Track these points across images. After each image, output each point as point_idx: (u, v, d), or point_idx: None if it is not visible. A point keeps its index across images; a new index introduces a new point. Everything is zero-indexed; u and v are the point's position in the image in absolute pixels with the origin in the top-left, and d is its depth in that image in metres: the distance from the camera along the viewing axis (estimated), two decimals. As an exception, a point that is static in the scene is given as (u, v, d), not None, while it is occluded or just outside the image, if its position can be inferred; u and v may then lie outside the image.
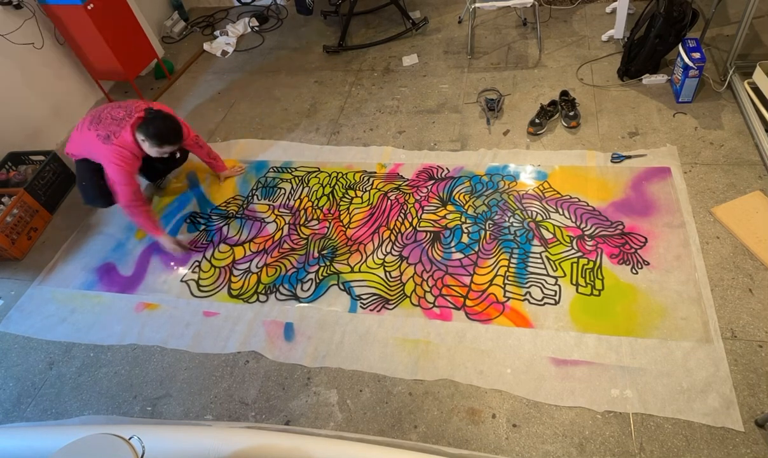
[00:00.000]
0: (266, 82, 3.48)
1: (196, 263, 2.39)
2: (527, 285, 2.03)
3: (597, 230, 2.16)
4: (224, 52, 3.85)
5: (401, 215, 2.41)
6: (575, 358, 1.80)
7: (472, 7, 3.16)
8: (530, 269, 2.08)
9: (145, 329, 2.18)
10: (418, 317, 2.01)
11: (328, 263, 2.27)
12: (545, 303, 1.97)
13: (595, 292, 1.96)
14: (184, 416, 1.90)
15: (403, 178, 2.59)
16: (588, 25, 3.31)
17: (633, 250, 2.06)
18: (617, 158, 2.42)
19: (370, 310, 2.07)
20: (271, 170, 2.79)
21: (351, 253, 2.30)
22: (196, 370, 2.02)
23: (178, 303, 2.25)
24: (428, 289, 2.10)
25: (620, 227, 2.15)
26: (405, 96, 3.11)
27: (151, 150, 2.25)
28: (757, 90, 2.44)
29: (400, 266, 2.20)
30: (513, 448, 1.64)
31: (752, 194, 2.15)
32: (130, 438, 1.28)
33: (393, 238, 2.32)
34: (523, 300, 1.99)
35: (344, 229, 2.40)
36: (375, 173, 2.65)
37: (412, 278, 2.15)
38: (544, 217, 2.26)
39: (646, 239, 2.09)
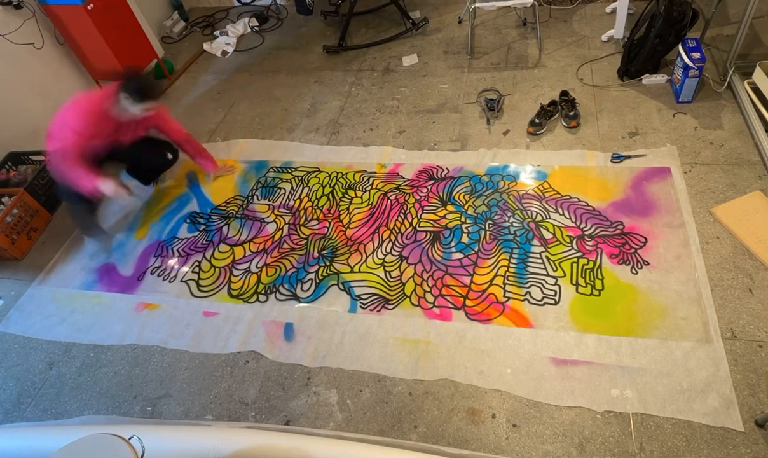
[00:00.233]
0: (266, 82, 3.48)
1: (196, 263, 2.39)
2: (527, 285, 2.03)
3: (597, 230, 2.16)
4: (224, 52, 3.85)
5: (401, 215, 2.41)
6: (575, 358, 1.80)
7: (472, 7, 3.16)
8: (530, 269, 2.08)
9: (145, 329, 2.18)
10: (418, 317, 2.01)
11: (328, 263, 2.27)
12: (545, 303, 1.97)
13: (595, 292, 1.96)
14: (184, 416, 1.90)
15: (403, 178, 2.59)
16: (588, 25, 3.31)
17: (633, 250, 2.06)
18: (617, 158, 2.42)
19: (370, 310, 2.07)
20: (271, 170, 2.79)
21: (351, 253, 2.30)
22: (196, 370, 2.02)
23: (178, 303, 2.25)
24: (428, 289, 2.10)
25: (620, 227, 2.15)
26: (405, 96, 3.11)
27: (134, 107, 2.19)
28: (757, 90, 2.44)
29: (400, 266, 2.20)
30: (513, 448, 1.64)
31: (752, 194, 2.15)
32: (130, 438, 1.28)
33: (393, 238, 2.32)
34: (523, 300, 1.99)
35: (344, 229, 2.40)
36: (375, 173, 2.65)
37: (412, 278, 2.15)
38: (544, 217, 2.26)
39: (646, 239, 2.09)
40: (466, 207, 2.37)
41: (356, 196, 2.55)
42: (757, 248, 1.96)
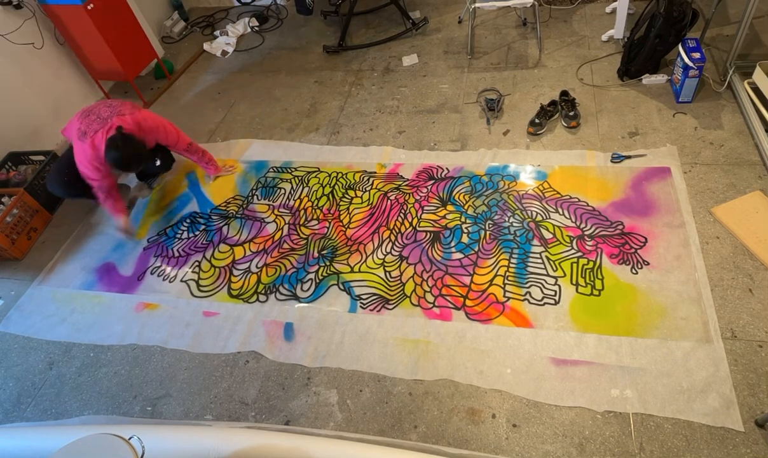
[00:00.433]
0: (266, 82, 3.48)
1: (196, 263, 2.39)
2: (527, 285, 2.03)
3: (597, 230, 2.16)
4: (224, 52, 3.85)
5: (401, 215, 2.41)
6: (575, 358, 1.80)
7: (472, 7, 3.16)
8: (530, 269, 2.08)
9: (145, 329, 2.18)
10: (418, 317, 2.01)
11: (328, 263, 2.27)
12: (545, 303, 1.97)
13: (595, 292, 1.96)
14: (184, 416, 1.90)
15: (403, 178, 2.59)
16: (588, 25, 3.31)
17: (633, 250, 2.06)
18: (617, 158, 2.42)
19: (370, 310, 2.07)
20: (271, 170, 2.79)
21: (351, 253, 2.30)
22: (196, 370, 2.02)
23: (178, 303, 2.25)
24: (428, 289, 2.10)
25: (620, 227, 2.15)
26: (405, 96, 3.11)
27: (114, 170, 2.31)
28: (757, 90, 2.44)
29: (400, 266, 2.20)
30: (513, 448, 1.64)
31: (752, 194, 2.15)
32: (130, 438, 1.28)
33: (393, 238, 2.32)
34: (523, 300, 1.99)
35: (344, 229, 2.40)
36: (375, 173, 2.65)
37: (412, 278, 2.15)
38: (544, 217, 2.26)
39: (646, 239, 2.09)
40: (466, 207, 2.37)
41: (356, 196, 2.55)
42: (757, 248, 1.96)
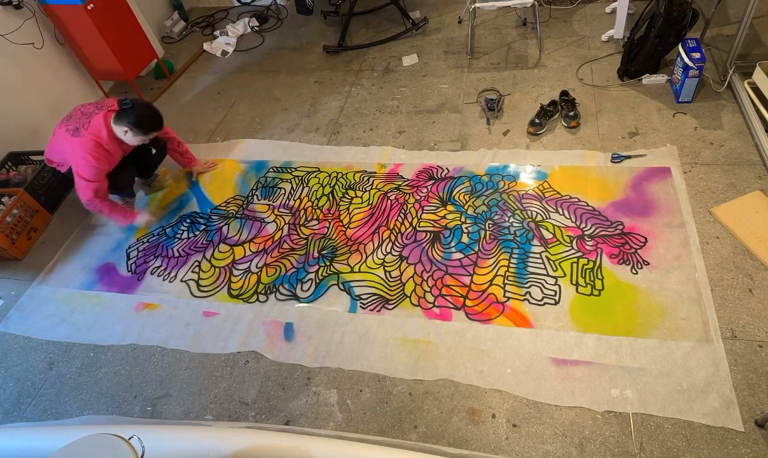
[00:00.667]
0: (266, 82, 3.48)
1: (196, 263, 2.39)
2: (527, 285, 2.03)
3: (597, 230, 2.16)
4: (224, 52, 3.85)
5: (401, 215, 2.41)
6: (575, 358, 1.80)
7: (472, 7, 3.16)
8: (530, 269, 2.08)
9: (145, 329, 2.18)
10: (418, 317, 2.01)
11: (328, 263, 2.27)
12: (545, 303, 1.97)
13: (595, 292, 1.96)
14: (184, 416, 1.90)
15: (403, 178, 2.59)
16: (588, 25, 3.32)
17: (633, 250, 2.06)
18: (617, 158, 2.42)
19: (370, 310, 2.07)
20: (271, 170, 2.79)
21: (351, 253, 2.30)
22: (196, 370, 2.02)
23: (178, 303, 2.25)
24: (428, 289, 2.10)
25: (620, 227, 2.15)
26: (405, 96, 3.11)
27: (134, 139, 2.30)
28: (757, 90, 2.44)
29: (400, 266, 2.20)
30: (513, 448, 1.64)
31: (752, 194, 2.15)
32: (130, 438, 1.28)
33: (393, 238, 2.32)
34: (523, 300, 1.99)
35: (344, 229, 2.40)
36: (375, 173, 2.65)
37: (411, 278, 2.15)
38: (544, 217, 2.26)
39: (646, 239, 2.09)
40: (466, 207, 2.37)
41: (356, 196, 2.55)
42: (757, 248, 1.96)
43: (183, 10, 4.25)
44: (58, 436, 1.74)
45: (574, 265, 2.06)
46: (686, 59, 2.44)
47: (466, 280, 2.10)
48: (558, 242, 2.15)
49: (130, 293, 2.33)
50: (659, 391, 1.67)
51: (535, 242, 2.17)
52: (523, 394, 1.74)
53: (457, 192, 2.45)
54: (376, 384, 1.86)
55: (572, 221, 2.22)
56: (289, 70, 3.55)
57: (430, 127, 2.85)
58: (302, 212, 2.53)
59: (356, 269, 2.23)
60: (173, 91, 3.59)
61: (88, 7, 2.99)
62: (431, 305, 2.04)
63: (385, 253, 2.27)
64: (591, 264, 2.05)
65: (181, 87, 3.61)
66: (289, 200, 2.60)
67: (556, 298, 1.97)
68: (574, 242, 2.14)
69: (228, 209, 2.63)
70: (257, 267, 2.32)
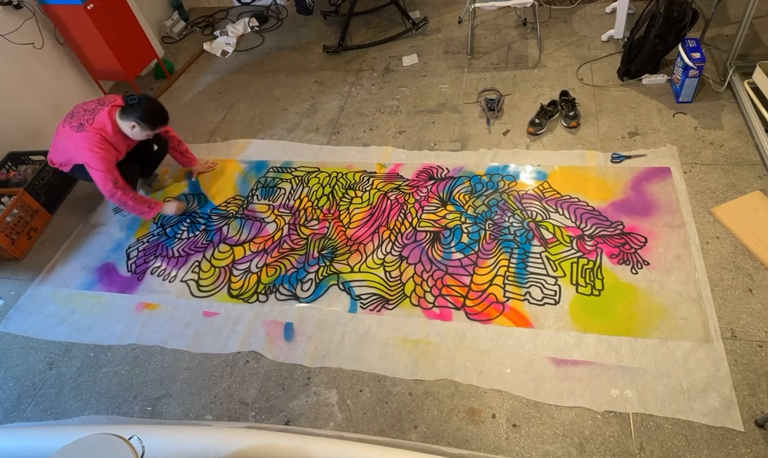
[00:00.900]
0: (266, 82, 3.48)
1: (196, 263, 2.39)
2: (527, 285, 2.03)
3: (597, 230, 2.16)
4: (224, 52, 3.85)
5: (401, 215, 2.41)
6: (575, 358, 1.80)
7: (472, 7, 3.16)
8: (530, 269, 2.08)
9: (145, 329, 2.18)
10: (418, 317, 2.01)
11: (327, 263, 2.27)
12: (545, 303, 1.97)
13: (595, 292, 1.96)
14: (184, 416, 1.90)
15: (403, 178, 2.59)
16: (588, 25, 3.31)
17: (633, 250, 2.06)
18: (617, 158, 2.42)
19: (370, 310, 2.07)
20: (271, 170, 2.79)
21: (351, 253, 2.30)
22: (196, 370, 2.02)
23: (178, 303, 2.25)
24: (428, 289, 2.10)
25: (620, 227, 2.15)
26: (405, 96, 3.11)
27: (140, 134, 2.32)
28: (757, 90, 2.44)
29: (399, 266, 2.20)
30: (513, 448, 1.64)
31: (752, 194, 2.15)
32: (130, 438, 1.28)
33: (393, 238, 2.32)
34: (523, 300, 1.99)
35: (344, 229, 2.40)
36: (375, 173, 2.65)
37: (411, 278, 2.15)
38: (544, 217, 2.26)
39: (646, 239, 2.09)
40: (466, 207, 2.37)
41: (356, 196, 2.55)
42: (757, 248, 1.96)
43: (183, 10, 4.25)
44: (58, 436, 1.74)
45: (574, 265, 2.06)
46: (686, 59, 2.44)
47: (466, 280, 2.10)
48: (558, 242, 2.15)
49: (130, 293, 2.33)
50: (659, 391, 1.67)
51: (535, 242, 2.17)
52: (523, 394, 1.74)
53: (457, 192, 2.45)
54: (376, 384, 1.86)
55: (572, 221, 2.22)
56: (289, 70, 3.55)
57: (430, 127, 2.85)
58: (302, 212, 2.53)
59: (356, 269, 2.23)
60: (173, 91, 3.59)
61: (88, 7, 2.99)
62: (431, 305, 2.04)
63: (385, 253, 2.27)
64: (591, 264, 2.05)
65: (181, 87, 3.61)
66: (289, 200, 2.60)
67: (556, 298, 1.97)
68: (574, 242, 2.14)
69: (228, 209, 2.63)
70: (257, 267, 2.32)
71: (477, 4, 3.12)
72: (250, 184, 2.74)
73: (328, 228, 2.42)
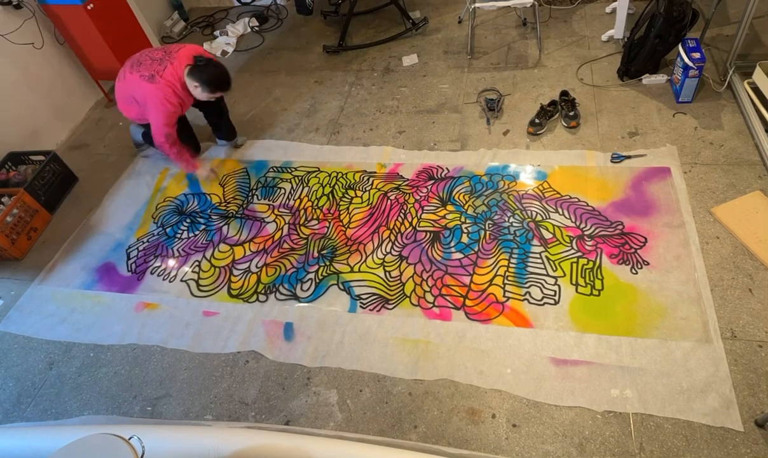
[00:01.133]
0: (266, 82, 3.48)
1: (196, 263, 2.39)
2: (527, 285, 2.03)
3: (597, 230, 2.16)
4: (224, 52, 3.85)
5: (401, 214, 2.41)
6: (575, 358, 1.80)
7: (472, 7, 3.16)
8: (530, 269, 2.08)
9: (145, 329, 2.18)
10: (417, 317, 2.01)
11: (327, 263, 2.27)
12: (545, 303, 1.97)
13: (595, 292, 1.96)
14: (184, 416, 1.90)
15: (403, 178, 2.59)
16: (588, 25, 3.31)
17: (633, 250, 2.06)
18: (617, 158, 2.42)
19: (370, 310, 2.07)
20: (271, 169, 2.79)
21: (351, 253, 2.30)
22: (196, 370, 2.02)
23: (178, 303, 2.25)
24: (428, 289, 2.10)
25: (620, 227, 2.16)
26: (405, 96, 3.11)
27: (202, 95, 2.48)
28: (757, 90, 2.44)
29: (399, 266, 2.20)
30: (513, 448, 1.64)
31: (752, 194, 2.15)
32: (130, 438, 1.28)
33: (393, 238, 2.32)
34: (522, 300, 1.99)
35: (344, 229, 2.40)
36: (375, 172, 2.65)
37: (411, 278, 2.15)
38: (544, 217, 2.26)
39: (645, 239, 2.09)
40: (466, 207, 2.37)
41: (356, 196, 2.55)
42: (757, 248, 1.96)
43: (183, 10, 4.25)
44: (58, 436, 1.74)
45: (574, 265, 2.06)
46: (686, 59, 2.44)
47: (466, 280, 2.10)
48: (558, 242, 2.15)
49: (130, 293, 2.33)
50: (659, 391, 1.67)
51: (535, 242, 2.17)
52: (523, 394, 1.74)
53: (457, 192, 2.45)
54: (376, 384, 1.87)
55: (572, 221, 2.22)
56: (289, 70, 3.55)
57: (430, 127, 2.85)
58: (302, 211, 2.53)
59: (356, 268, 2.23)
60: (173, 91, 3.59)
61: (88, 7, 2.99)
62: (431, 305, 2.04)
63: (384, 253, 2.27)
64: (591, 264, 2.05)
65: (181, 87, 3.60)
66: (289, 200, 2.60)
67: (556, 298, 1.97)
68: (574, 242, 2.14)
69: (228, 209, 2.63)
70: (257, 267, 2.32)
71: (477, 4, 3.12)
72: (250, 184, 2.74)
73: (328, 228, 2.42)
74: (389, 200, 2.49)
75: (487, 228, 2.27)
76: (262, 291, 2.22)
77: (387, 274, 2.19)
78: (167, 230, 2.58)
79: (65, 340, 2.21)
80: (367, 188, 2.57)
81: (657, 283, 1.94)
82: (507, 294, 2.02)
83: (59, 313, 2.31)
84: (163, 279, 2.36)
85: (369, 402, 1.82)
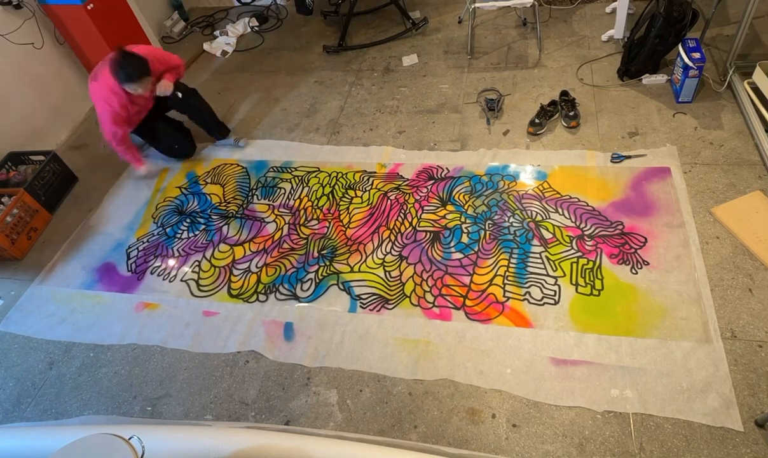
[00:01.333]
0: (266, 82, 3.48)
1: (196, 263, 2.39)
2: (527, 285, 2.03)
3: (597, 230, 2.16)
4: (224, 52, 3.85)
5: (401, 214, 2.41)
6: (575, 358, 1.80)
7: (472, 7, 3.16)
8: (530, 269, 2.08)
9: (145, 329, 2.18)
10: (417, 317, 2.01)
11: (327, 263, 2.27)
12: (545, 303, 1.97)
13: (595, 292, 1.96)
14: (184, 416, 1.90)
15: (403, 178, 2.59)
16: (588, 25, 3.31)
17: (633, 250, 2.06)
18: (617, 158, 2.42)
19: (370, 310, 2.07)
20: (271, 169, 2.79)
21: (351, 253, 2.30)
22: (196, 370, 2.02)
23: (178, 303, 2.25)
24: (428, 289, 2.10)
25: (620, 227, 2.15)
26: (405, 96, 3.11)
27: (132, 91, 2.46)
28: (757, 90, 2.44)
29: (399, 265, 2.20)
30: (513, 448, 1.64)
31: (752, 194, 2.15)
32: (130, 438, 1.28)
33: (393, 238, 2.32)
34: (522, 300, 1.99)
35: (344, 229, 2.40)
36: (375, 172, 2.65)
37: (411, 278, 2.15)
38: (544, 217, 2.26)
39: (645, 239, 2.09)
40: (466, 207, 2.37)
41: (356, 196, 2.55)
42: (757, 248, 1.96)
43: (183, 10, 4.25)
44: (58, 436, 1.74)
45: (574, 265, 2.06)
46: (686, 59, 2.44)
47: (466, 280, 2.10)
48: (558, 242, 2.15)
49: (130, 293, 2.33)
50: (659, 391, 1.67)
51: (535, 242, 2.17)
52: (523, 394, 1.74)
53: (457, 192, 2.45)
54: (376, 384, 1.87)
55: (572, 221, 2.22)
56: (289, 70, 3.55)
57: (430, 127, 2.85)
58: (302, 211, 2.53)
59: (356, 268, 2.23)
60: (173, 91, 3.59)
61: (88, 7, 2.99)
62: (431, 305, 2.04)
63: (384, 253, 2.27)
64: (591, 264, 2.05)
65: (181, 87, 3.60)
66: (289, 200, 2.60)
67: (556, 298, 1.97)
68: (574, 242, 2.14)
69: (228, 209, 2.63)
70: (257, 267, 2.32)
71: (477, 4, 3.12)
72: (250, 184, 2.74)
73: (328, 228, 2.42)
74: (389, 200, 2.49)
75: (487, 228, 2.27)
76: (262, 291, 2.22)
77: (387, 274, 2.19)
78: (167, 230, 2.58)
79: (65, 340, 2.21)
80: (367, 188, 2.57)
81: (657, 283, 1.94)
82: (507, 294, 2.02)
83: (59, 313, 2.31)
84: (163, 279, 2.36)
85: (369, 402, 1.82)
